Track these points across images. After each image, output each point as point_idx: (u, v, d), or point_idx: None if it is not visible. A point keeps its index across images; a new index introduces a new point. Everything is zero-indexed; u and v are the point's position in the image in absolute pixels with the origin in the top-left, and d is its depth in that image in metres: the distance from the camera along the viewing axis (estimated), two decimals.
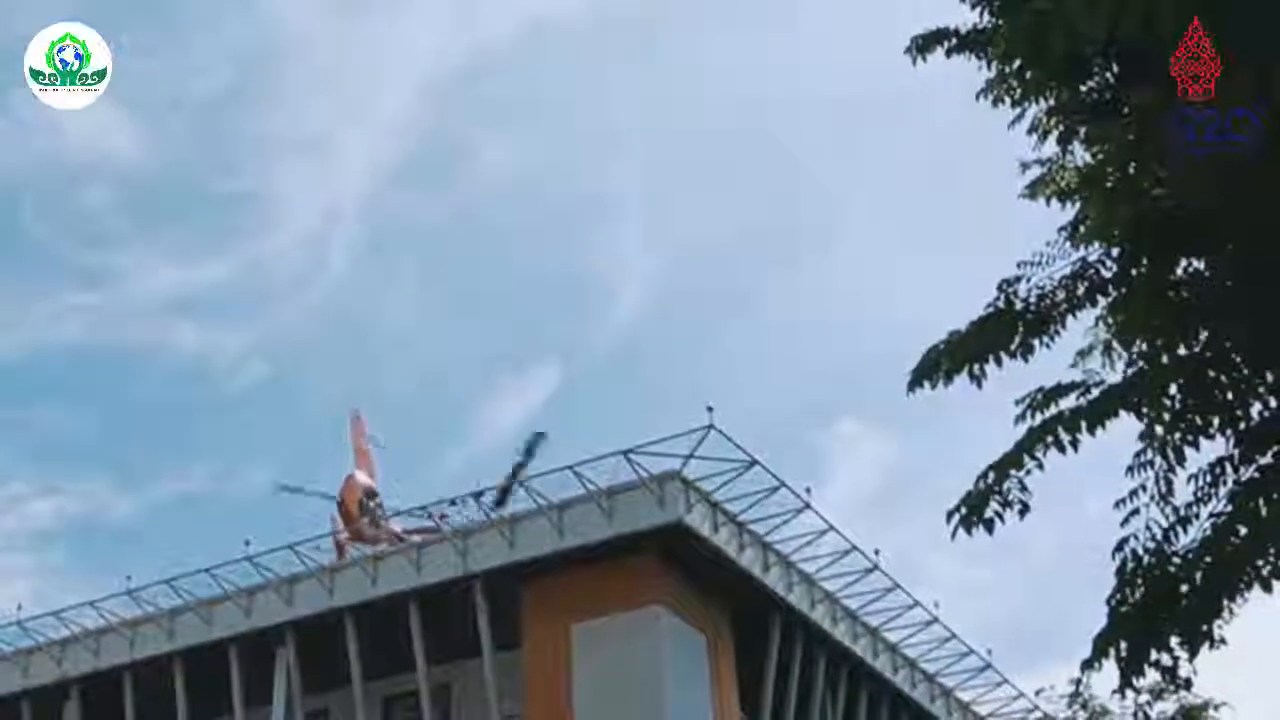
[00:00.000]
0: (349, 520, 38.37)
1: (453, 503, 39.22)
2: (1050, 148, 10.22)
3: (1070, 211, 10.10)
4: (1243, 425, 9.02)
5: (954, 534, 9.13)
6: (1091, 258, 9.63)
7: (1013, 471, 9.07)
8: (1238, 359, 9.00)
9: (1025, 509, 9.12)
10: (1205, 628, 8.81)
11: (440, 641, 38.13)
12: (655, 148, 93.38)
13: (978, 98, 10.09)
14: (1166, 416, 9.06)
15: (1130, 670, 8.92)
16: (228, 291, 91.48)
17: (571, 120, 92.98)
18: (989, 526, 9.07)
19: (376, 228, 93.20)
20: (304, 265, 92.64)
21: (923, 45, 10.19)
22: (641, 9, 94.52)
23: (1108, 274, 9.57)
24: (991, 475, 9.11)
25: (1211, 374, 9.01)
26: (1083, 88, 9.55)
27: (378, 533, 38.93)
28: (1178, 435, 8.95)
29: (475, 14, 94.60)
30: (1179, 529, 9.07)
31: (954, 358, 9.53)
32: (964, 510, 9.11)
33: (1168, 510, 9.12)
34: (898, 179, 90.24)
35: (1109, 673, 9.20)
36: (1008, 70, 9.72)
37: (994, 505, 9.07)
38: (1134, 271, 9.40)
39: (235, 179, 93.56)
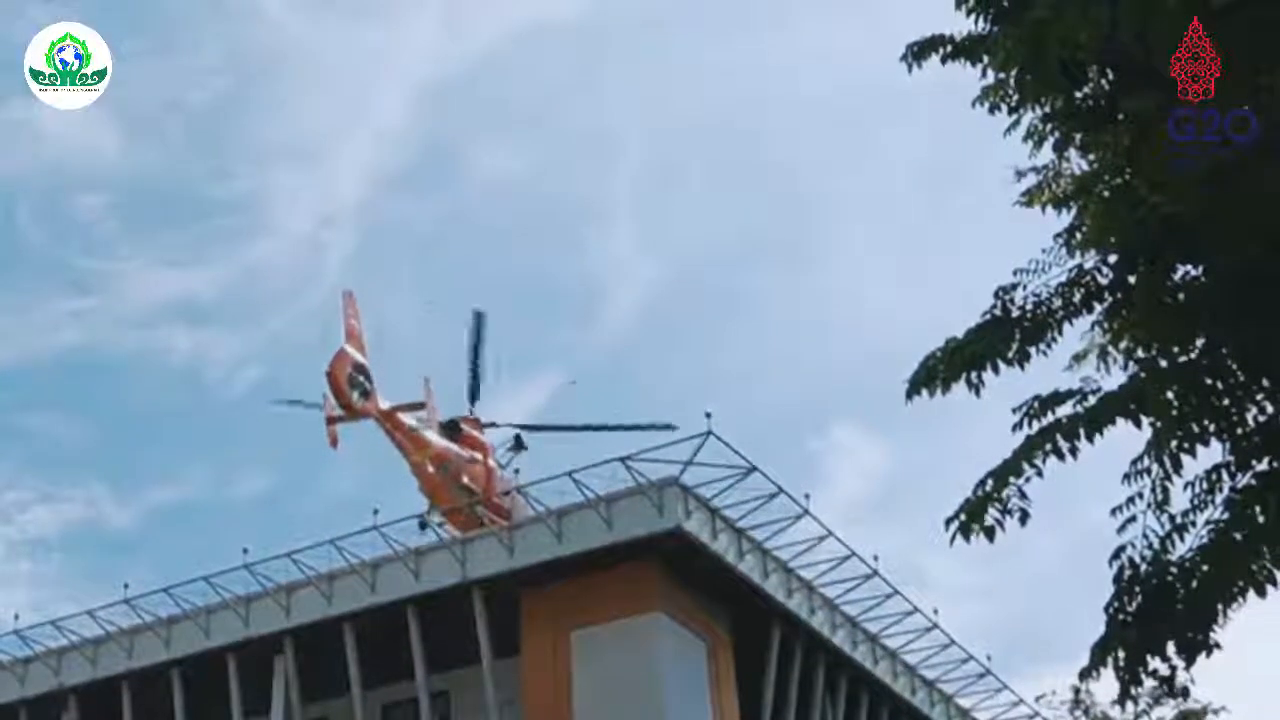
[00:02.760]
0: (339, 392, 38.40)
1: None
2: (1046, 154, 10.23)
3: (1066, 218, 10.11)
4: (1239, 432, 9.01)
5: (952, 540, 9.11)
6: (1088, 264, 9.63)
7: (1012, 479, 9.04)
8: (1234, 365, 8.99)
9: (1025, 516, 9.09)
10: (1202, 636, 8.79)
11: (439, 649, 38.08)
12: (652, 150, 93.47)
13: (974, 105, 10.10)
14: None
15: (1129, 679, 8.90)
16: (223, 297, 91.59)
17: (567, 123, 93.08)
18: (990, 534, 9.05)
19: (372, 233, 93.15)
20: (299, 270, 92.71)
21: (918, 53, 10.20)
22: (638, 12, 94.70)
23: (1104, 280, 9.56)
24: (990, 483, 9.08)
25: (1208, 381, 8.99)
26: (1078, 94, 9.55)
27: (367, 406, 38.92)
28: (1175, 443, 8.93)
29: (470, 19, 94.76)
30: (1176, 536, 9.05)
31: (951, 365, 9.52)
32: (962, 518, 9.09)
33: (1164, 518, 9.11)
34: (896, 181, 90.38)
35: (1110, 678, 9.19)
36: (1004, 77, 9.73)
37: (993, 513, 9.05)
38: (1130, 278, 9.39)
39: (231, 185, 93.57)
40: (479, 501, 40.72)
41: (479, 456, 42.03)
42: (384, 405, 40.12)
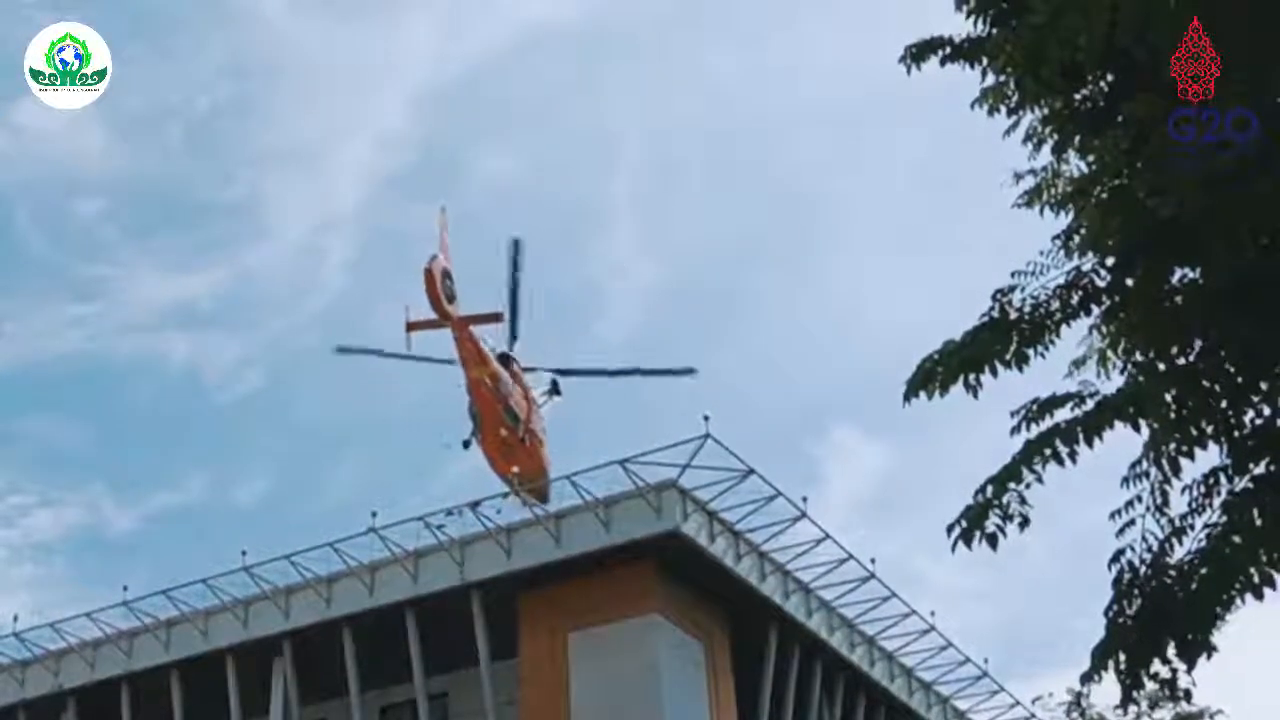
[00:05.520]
0: (432, 288, 39.51)
1: (449, 513, 39.20)
2: (1045, 156, 10.23)
3: (1065, 220, 10.10)
4: (1237, 435, 9.01)
5: (954, 548, 9.08)
6: (1085, 267, 9.61)
7: (1011, 485, 9.03)
8: (1232, 368, 8.99)
9: (1026, 522, 9.07)
10: (1202, 638, 8.79)
11: (437, 651, 38.11)
12: (652, 152, 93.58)
13: (973, 106, 10.09)
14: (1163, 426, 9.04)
15: (1130, 683, 8.89)
16: (223, 302, 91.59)
17: (568, 127, 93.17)
18: (992, 541, 9.02)
19: (372, 237, 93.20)
20: (299, 275, 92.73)
21: (917, 54, 10.19)
22: (638, 15, 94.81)
23: (1102, 283, 9.55)
24: (990, 489, 9.07)
25: (1206, 384, 8.99)
26: (1078, 96, 9.55)
27: (450, 309, 40.01)
28: (1173, 446, 8.93)
29: (471, 23, 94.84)
30: (1175, 540, 9.05)
31: (949, 368, 9.50)
32: (964, 524, 9.07)
33: (1163, 521, 9.10)
34: (896, 183, 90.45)
35: (1108, 681, 9.18)
36: (1003, 79, 9.73)
37: (994, 519, 9.03)
38: (1128, 280, 9.38)
39: (230, 189, 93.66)
40: (527, 429, 41.27)
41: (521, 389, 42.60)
42: (458, 313, 40.91)
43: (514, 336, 42.48)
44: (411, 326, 40.39)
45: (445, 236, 41.11)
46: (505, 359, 42.18)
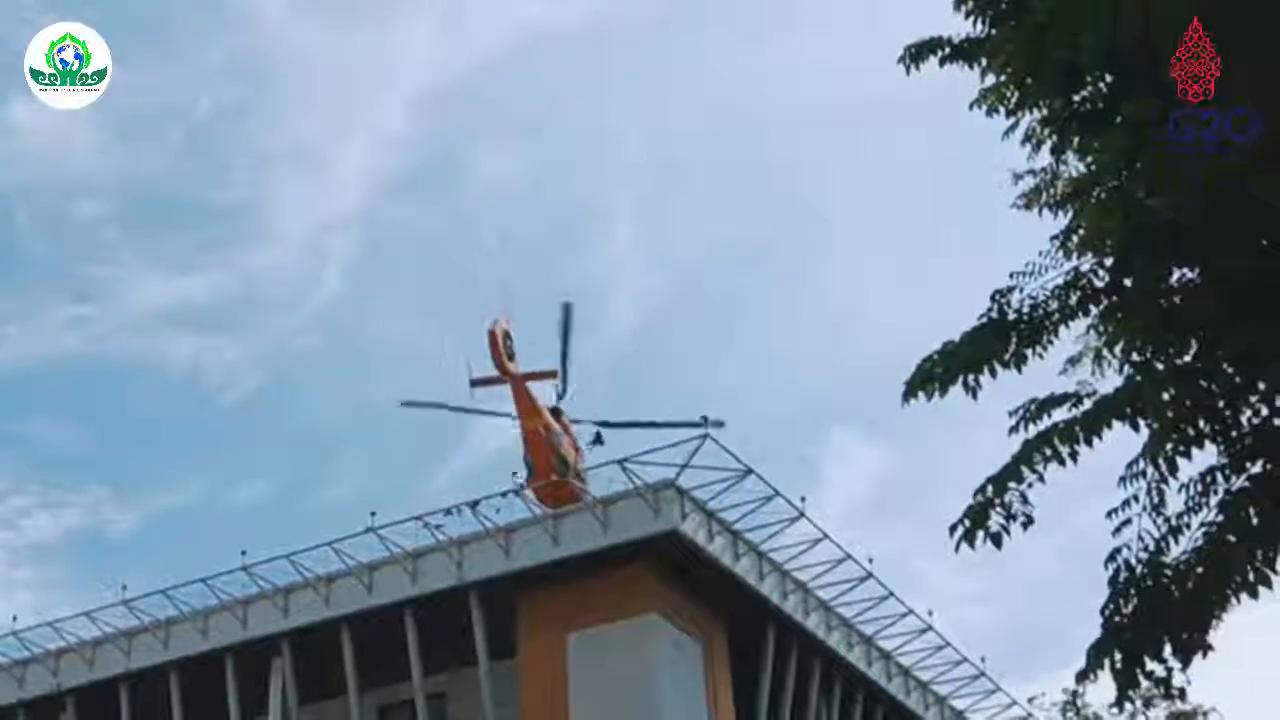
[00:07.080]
0: (494, 346, 41.69)
1: (448, 513, 39.24)
2: (1044, 157, 10.25)
3: (1063, 221, 10.12)
4: (1233, 434, 9.03)
5: (958, 547, 9.08)
6: (1084, 267, 9.63)
7: (1011, 484, 9.04)
8: (1229, 368, 9.02)
9: (1029, 521, 9.08)
10: (1198, 637, 8.81)
11: (436, 651, 38.14)
12: (652, 154, 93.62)
13: (971, 107, 10.11)
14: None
15: (1125, 682, 8.91)
16: (223, 304, 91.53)
17: (568, 127, 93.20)
18: (996, 540, 9.01)
19: (373, 238, 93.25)
20: (300, 277, 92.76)
21: (916, 55, 10.22)
22: (638, 15, 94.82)
23: (1100, 283, 9.57)
24: (990, 489, 9.08)
25: (1203, 384, 9.02)
26: (1077, 97, 9.57)
27: (509, 366, 42.10)
28: (1170, 445, 8.95)
29: (471, 25, 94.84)
30: (1171, 539, 9.06)
31: (948, 368, 9.52)
32: (967, 524, 9.07)
33: (1159, 520, 9.11)
34: (895, 184, 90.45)
35: (1100, 680, 9.21)
36: (1002, 80, 9.75)
37: (997, 518, 9.04)
38: (1126, 281, 9.41)
39: (231, 190, 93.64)
40: (575, 475, 41.83)
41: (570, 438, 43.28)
42: (518, 371, 42.68)
43: (561, 396, 43.86)
44: (475, 383, 42.58)
45: (506, 303, 43.01)
46: (555, 411, 43.52)
